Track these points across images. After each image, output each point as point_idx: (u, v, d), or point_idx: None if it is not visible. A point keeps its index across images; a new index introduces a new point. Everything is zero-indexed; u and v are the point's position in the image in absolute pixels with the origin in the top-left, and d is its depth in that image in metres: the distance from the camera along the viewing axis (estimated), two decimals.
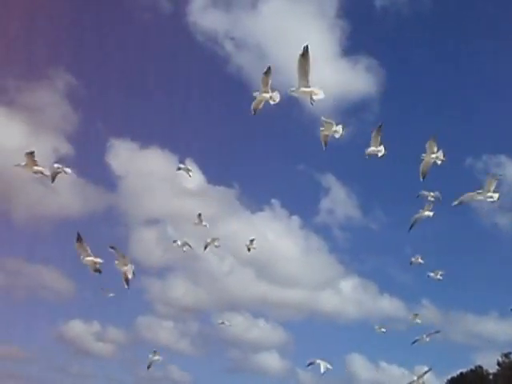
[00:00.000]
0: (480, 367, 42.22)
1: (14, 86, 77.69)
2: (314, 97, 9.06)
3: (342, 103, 60.98)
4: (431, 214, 12.83)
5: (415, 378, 15.91)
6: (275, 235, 64.44)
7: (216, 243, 18.71)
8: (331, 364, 15.25)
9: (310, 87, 9.02)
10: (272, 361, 69.38)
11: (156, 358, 17.55)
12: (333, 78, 56.64)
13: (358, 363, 61.85)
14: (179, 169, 18.78)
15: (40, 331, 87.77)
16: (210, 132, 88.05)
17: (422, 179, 10.92)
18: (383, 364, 57.68)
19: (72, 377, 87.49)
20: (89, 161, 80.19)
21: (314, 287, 67.82)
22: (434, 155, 10.72)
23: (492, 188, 10.15)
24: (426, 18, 58.32)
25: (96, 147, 79.57)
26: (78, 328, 65.45)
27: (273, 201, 68.43)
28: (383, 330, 21.26)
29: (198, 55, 71.79)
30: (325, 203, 69.64)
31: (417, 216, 12.84)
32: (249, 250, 19.33)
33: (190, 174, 19.06)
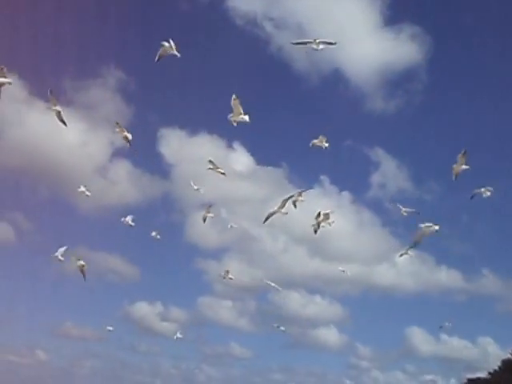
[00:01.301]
0: None
1: (71, 86, 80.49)
2: None
3: (388, 74, 59.11)
4: None
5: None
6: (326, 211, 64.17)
7: (211, 214, 17.64)
8: None
9: None
10: (330, 336, 69.03)
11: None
12: (376, 50, 54.99)
13: (418, 336, 60.70)
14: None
15: (109, 313, 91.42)
16: (255, 113, 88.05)
17: None
18: (444, 336, 56.25)
19: (141, 355, 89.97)
20: (143, 151, 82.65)
21: (369, 262, 66.70)
22: None
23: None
24: None
25: (148, 138, 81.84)
26: (143, 309, 68.18)
27: (322, 177, 67.46)
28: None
29: (239, 39, 71.65)
30: (375, 177, 67.95)
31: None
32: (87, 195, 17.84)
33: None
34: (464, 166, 13.38)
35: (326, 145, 13.83)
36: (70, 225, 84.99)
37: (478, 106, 61.59)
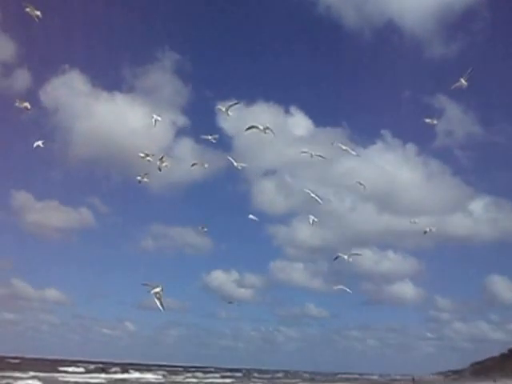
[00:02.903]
0: None
1: (131, 74, 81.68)
2: None
3: (445, 17, 53.48)
4: None
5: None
6: (392, 166, 60.55)
7: (165, 164, 15.13)
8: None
9: None
10: (407, 290, 67.40)
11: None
12: None
13: (500, 284, 57.65)
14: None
15: (188, 283, 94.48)
16: (309, 77, 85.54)
17: None
18: None
19: (222, 321, 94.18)
20: (203, 127, 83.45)
21: (442, 212, 63.47)
22: None
23: None
24: None
25: (207, 114, 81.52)
26: (219, 278, 69.08)
27: (383, 132, 64.42)
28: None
29: (286, 4, 68.45)
30: (441, 125, 64.15)
31: None
32: (160, 169, 15.40)
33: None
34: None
35: None
36: (143, 204, 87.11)
37: None
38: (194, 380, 51.04)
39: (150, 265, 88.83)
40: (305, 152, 15.47)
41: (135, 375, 52.22)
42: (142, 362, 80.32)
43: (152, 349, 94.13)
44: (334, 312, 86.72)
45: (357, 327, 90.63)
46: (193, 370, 75.89)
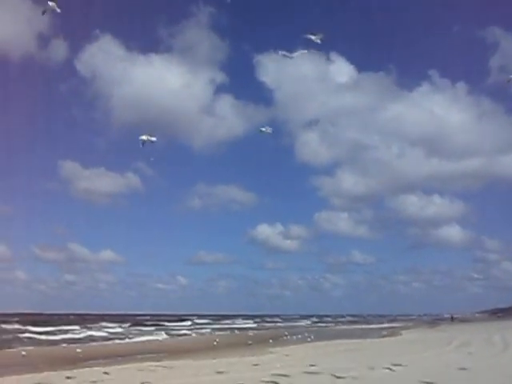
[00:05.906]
0: None
1: (167, 34, 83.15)
2: None
3: None
4: None
5: None
6: (440, 108, 60.70)
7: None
8: None
9: None
10: (454, 233, 70.24)
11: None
12: None
13: None
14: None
15: (235, 238, 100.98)
16: (348, 19, 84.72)
17: None
18: None
19: (269, 271, 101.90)
20: (243, 82, 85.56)
21: (493, 153, 64.01)
22: None
23: None
24: None
25: (246, 68, 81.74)
26: (265, 231, 73.64)
27: (430, 72, 63.41)
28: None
29: None
30: (494, 61, 61.79)
31: None
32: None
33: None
34: None
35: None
36: (187, 165, 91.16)
37: None
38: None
39: (197, 223, 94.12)
40: None
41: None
42: (197, 313, 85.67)
43: (203, 300, 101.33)
44: (380, 258, 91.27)
45: (402, 271, 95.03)
46: (260, 318, 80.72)
